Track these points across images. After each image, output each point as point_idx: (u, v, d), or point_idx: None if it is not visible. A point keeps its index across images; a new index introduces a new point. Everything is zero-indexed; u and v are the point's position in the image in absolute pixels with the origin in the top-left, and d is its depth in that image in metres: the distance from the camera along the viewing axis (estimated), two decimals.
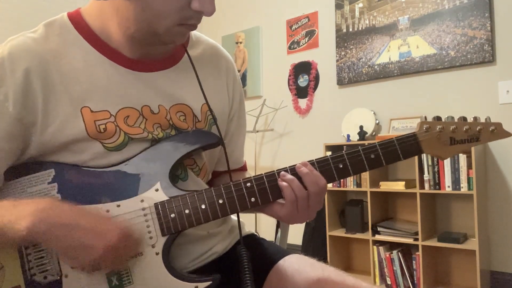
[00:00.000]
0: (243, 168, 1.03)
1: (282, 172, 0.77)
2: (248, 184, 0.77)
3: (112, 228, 0.68)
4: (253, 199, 0.77)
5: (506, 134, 0.79)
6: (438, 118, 0.79)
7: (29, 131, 0.73)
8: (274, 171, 0.78)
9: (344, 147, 2.78)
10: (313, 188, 0.76)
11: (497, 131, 0.78)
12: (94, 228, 0.67)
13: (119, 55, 0.78)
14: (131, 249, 0.71)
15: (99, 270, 0.69)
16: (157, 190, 0.75)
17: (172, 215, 0.74)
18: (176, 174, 0.81)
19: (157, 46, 0.80)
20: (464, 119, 0.79)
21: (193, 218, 0.75)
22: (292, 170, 0.77)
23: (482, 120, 0.79)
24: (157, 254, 0.74)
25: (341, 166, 0.78)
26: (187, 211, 0.75)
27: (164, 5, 0.69)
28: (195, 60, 0.85)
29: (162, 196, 0.75)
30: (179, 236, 0.78)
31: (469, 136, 0.78)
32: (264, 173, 0.77)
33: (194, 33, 0.91)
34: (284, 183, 0.75)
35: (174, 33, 0.74)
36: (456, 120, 0.79)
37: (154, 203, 0.75)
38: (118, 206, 0.74)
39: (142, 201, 0.75)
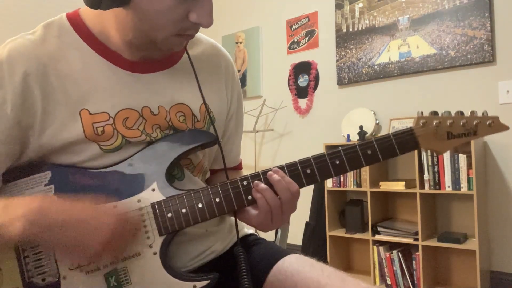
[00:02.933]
0: (239, 167, 1.03)
1: (256, 182, 0.76)
2: (245, 182, 0.77)
3: (106, 221, 0.68)
4: (249, 197, 0.77)
5: (503, 128, 0.79)
6: (435, 113, 0.79)
7: (27, 133, 0.73)
8: (270, 168, 0.78)
9: None
10: (285, 195, 0.75)
11: (494, 125, 0.79)
12: (88, 224, 0.67)
13: (118, 57, 0.78)
14: (128, 237, 0.71)
15: (98, 265, 0.69)
16: (153, 190, 0.75)
17: (169, 215, 0.74)
18: (172, 174, 0.81)
19: (155, 51, 0.80)
20: (461, 113, 0.79)
21: (190, 217, 0.75)
22: (265, 174, 0.77)
23: (479, 114, 0.79)
24: (154, 254, 0.74)
25: (337, 162, 0.78)
26: (184, 210, 0.75)
27: (161, 17, 0.69)
28: (194, 59, 0.85)
29: (158, 196, 0.75)
30: (178, 235, 0.78)
31: (466, 130, 0.79)
32: (261, 171, 0.77)
33: None
34: (258, 194, 0.76)
35: (171, 43, 0.75)
36: (453, 115, 0.79)
37: (151, 203, 0.75)
38: (115, 206, 0.74)
39: (138, 201, 0.75)
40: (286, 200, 0.76)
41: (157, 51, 0.80)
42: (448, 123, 0.79)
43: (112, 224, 0.68)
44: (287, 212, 0.78)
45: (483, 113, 0.80)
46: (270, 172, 0.76)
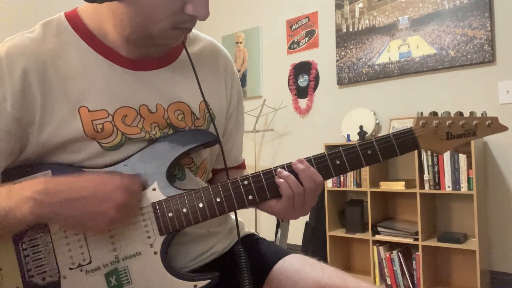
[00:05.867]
0: (242, 166, 1.03)
1: (279, 169, 0.77)
2: (246, 182, 0.77)
3: (113, 186, 0.69)
4: (250, 197, 0.77)
5: (502, 128, 0.80)
6: (434, 114, 0.80)
7: (27, 131, 0.73)
8: (271, 168, 0.78)
9: None
10: (309, 183, 0.76)
11: (494, 125, 0.79)
12: (97, 193, 0.68)
13: (116, 54, 0.78)
14: (137, 194, 0.73)
15: (116, 229, 0.72)
16: (154, 189, 0.75)
17: (170, 214, 0.74)
18: (173, 174, 0.81)
19: (153, 47, 0.80)
20: (461, 114, 0.80)
21: (191, 216, 0.75)
22: (289, 167, 0.78)
23: (479, 114, 0.80)
24: (155, 253, 0.73)
25: (338, 162, 0.78)
26: (184, 210, 0.75)
27: (157, 9, 0.69)
28: (193, 57, 0.85)
29: (159, 196, 0.75)
30: (179, 235, 0.78)
31: (465, 130, 0.79)
32: (262, 171, 0.77)
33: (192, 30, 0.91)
34: (281, 180, 0.76)
35: (168, 36, 0.75)
36: (452, 115, 0.80)
37: (152, 203, 0.75)
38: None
39: (139, 200, 0.74)
40: (310, 189, 0.76)
41: (155, 47, 0.80)
42: (447, 124, 0.79)
43: (121, 186, 0.69)
44: (309, 203, 0.78)
45: (482, 114, 0.80)
46: (294, 162, 0.78)
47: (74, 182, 0.69)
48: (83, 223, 0.68)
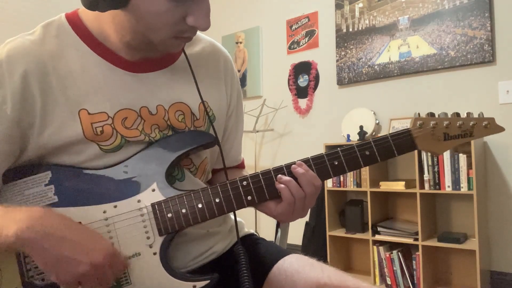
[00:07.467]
0: (241, 166, 1.03)
1: (279, 175, 0.77)
2: (245, 183, 0.77)
3: (100, 246, 0.68)
4: (249, 198, 0.77)
5: (499, 129, 0.80)
6: (431, 114, 0.80)
7: (27, 133, 0.73)
8: (270, 169, 0.78)
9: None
10: (309, 188, 0.76)
11: (490, 126, 0.80)
12: (82, 243, 0.66)
13: (117, 57, 0.78)
14: (117, 269, 0.70)
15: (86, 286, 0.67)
16: (153, 190, 0.75)
17: (169, 215, 0.74)
18: (173, 175, 0.81)
19: (153, 52, 0.80)
20: (458, 114, 0.80)
21: (190, 217, 0.75)
22: (288, 168, 0.77)
23: (476, 115, 0.80)
24: (154, 254, 0.74)
25: (336, 163, 0.78)
26: (184, 211, 0.75)
27: (158, 19, 0.69)
28: (193, 58, 0.85)
29: (159, 196, 0.75)
30: (179, 235, 0.78)
31: (462, 131, 0.80)
32: (260, 172, 0.77)
33: None
34: (282, 185, 0.76)
35: (168, 44, 0.75)
36: (449, 116, 0.80)
37: (151, 203, 0.75)
38: (115, 206, 0.74)
39: (139, 201, 0.75)
40: (310, 194, 0.76)
41: (155, 51, 0.80)
42: (444, 125, 0.79)
43: (106, 250, 0.68)
44: (308, 206, 0.79)
45: (479, 115, 0.80)
46: (294, 165, 0.77)
47: (70, 224, 0.68)
48: (56, 263, 0.65)
